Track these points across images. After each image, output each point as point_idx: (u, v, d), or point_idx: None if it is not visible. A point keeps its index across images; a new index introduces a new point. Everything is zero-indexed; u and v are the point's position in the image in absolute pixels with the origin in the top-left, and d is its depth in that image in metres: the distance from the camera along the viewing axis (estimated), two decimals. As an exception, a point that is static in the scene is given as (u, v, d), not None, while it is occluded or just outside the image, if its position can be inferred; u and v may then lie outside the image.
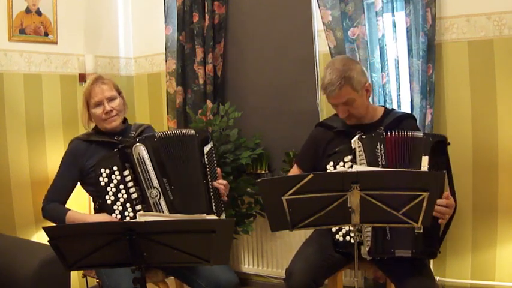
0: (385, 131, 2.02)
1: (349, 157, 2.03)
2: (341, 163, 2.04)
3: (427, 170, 1.89)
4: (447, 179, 1.98)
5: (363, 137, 2.01)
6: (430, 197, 1.61)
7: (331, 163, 2.06)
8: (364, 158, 2.00)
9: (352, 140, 2.03)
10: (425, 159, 1.91)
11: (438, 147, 1.98)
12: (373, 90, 2.70)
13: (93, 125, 2.25)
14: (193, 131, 2.23)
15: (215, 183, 2.20)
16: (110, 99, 2.18)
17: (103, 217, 2.05)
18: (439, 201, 1.86)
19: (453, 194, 1.97)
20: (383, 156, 1.99)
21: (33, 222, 2.88)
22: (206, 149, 2.22)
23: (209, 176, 2.20)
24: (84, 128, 2.26)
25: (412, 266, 1.95)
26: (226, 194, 2.25)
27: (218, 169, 2.27)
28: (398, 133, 2.00)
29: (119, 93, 2.25)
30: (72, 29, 3.18)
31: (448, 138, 2.02)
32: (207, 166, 2.20)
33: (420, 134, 2.02)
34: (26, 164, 2.88)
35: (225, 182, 2.24)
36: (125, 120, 2.31)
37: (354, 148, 2.01)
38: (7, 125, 2.78)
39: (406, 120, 2.17)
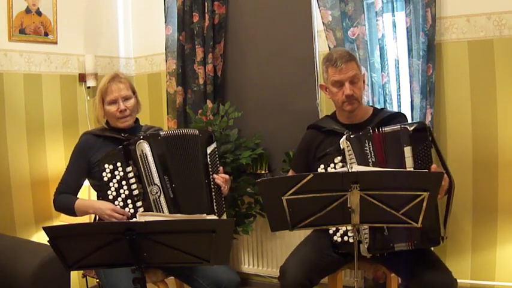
0: (372, 129, 2.03)
1: (339, 158, 2.03)
2: (332, 165, 2.05)
3: (411, 160, 1.94)
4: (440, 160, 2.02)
5: (351, 136, 2.03)
6: (430, 197, 1.61)
7: (322, 166, 2.07)
8: (353, 157, 2.00)
9: (341, 141, 2.03)
10: (407, 150, 1.95)
11: (418, 135, 1.97)
12: (373, 90, 2.71)
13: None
14: (197, 131, 2.24)
15: (216, 176, 2.20)
16: (125, 99, 2.20)
17: (107, 205, 2.07)
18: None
19: (447, 172, 1.94)
20: (372, 154, 2.00)
21: (33, 222, 2.88)
22: (209, 149, 2.23)
23: (211, 176, 2.21)
24: (99, 123, 2.28)
25: (420, 260, 1.94)
26: (227, 188, 2.24)
27: (221, 168, 2.28)
28: (382, 129, 2.01)
29: (134, 92, 2.27)
30: (72, 29, 3.18)
31: (433, 131, 2.02)
32: (210, 166, 2.21)
33: (398, 127, 2.00)
34: (26, 164, 2.88)
35: (226, 176, 2.24)
36: (136, 120, 2.33)
37: (343, 148, 2.02)
38: (7, 125, 2.78)
39: (396, 120, 2.15)
